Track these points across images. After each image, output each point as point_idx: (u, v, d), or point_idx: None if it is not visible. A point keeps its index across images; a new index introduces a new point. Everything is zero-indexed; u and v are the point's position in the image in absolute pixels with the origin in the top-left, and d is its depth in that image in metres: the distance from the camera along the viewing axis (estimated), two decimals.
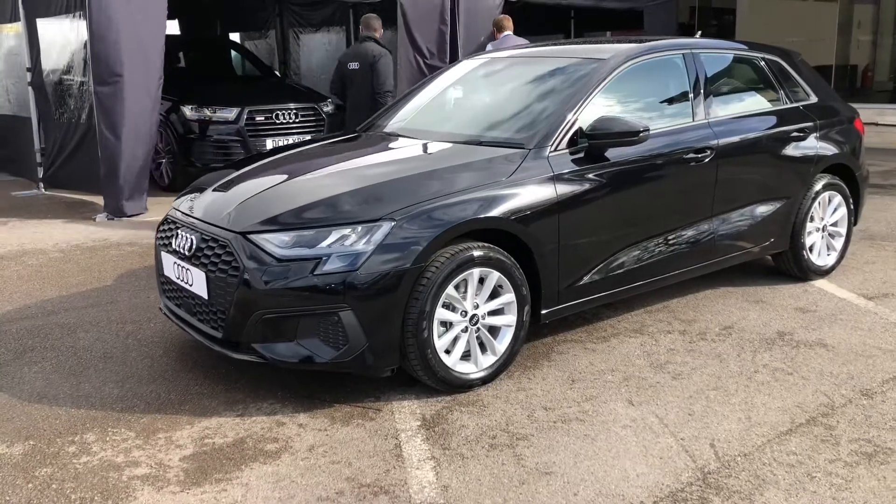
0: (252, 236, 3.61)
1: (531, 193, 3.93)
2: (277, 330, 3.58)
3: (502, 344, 3.93)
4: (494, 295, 3.89)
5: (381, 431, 3.47)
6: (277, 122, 9.56)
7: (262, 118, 9.51)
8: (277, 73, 13.67)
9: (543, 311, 4.10)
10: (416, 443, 3.37)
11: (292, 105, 9.78)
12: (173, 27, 15.70)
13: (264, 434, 3.45)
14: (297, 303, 3.51)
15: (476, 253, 3.71)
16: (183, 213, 4.12)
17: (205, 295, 3.73)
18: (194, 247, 3.83)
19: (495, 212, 3.80)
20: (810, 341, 4.42)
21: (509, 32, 8.52)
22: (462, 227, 3.70)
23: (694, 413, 3.59)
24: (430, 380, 3.75)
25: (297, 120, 9.69)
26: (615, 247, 4.33)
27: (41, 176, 9.42)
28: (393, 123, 5.12)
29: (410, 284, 3.56)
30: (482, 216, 3.76)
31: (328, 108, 10.03)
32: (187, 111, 9.36)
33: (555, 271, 4.07)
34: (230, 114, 9.39)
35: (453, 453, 3.28)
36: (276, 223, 3.64)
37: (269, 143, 9.42)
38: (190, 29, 15.58)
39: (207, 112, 9.37)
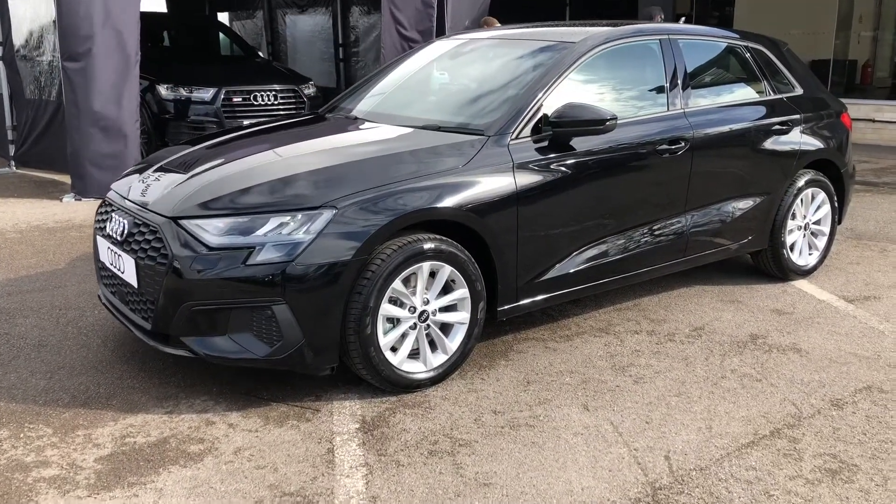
0: (184, 222, 3.38)
1: (489, 183, 3.70)
2: (208, 323, 3.35)
3: (454, 342, 3.71)
4: (447, 290, 3.67)
5: (315, 434, 3.25)
6: (256, 103, 9.32)
7: (240, 99, 9.27)
8: (262, 54, 13.39)
9: (500, 308, 3.88)
10: (350, 447, 3.15)
11: (272, 87, 9.54)
12: (161, 5, 15.42)
13: (190, 434, 3.23)
14: (229, 295, 3.28)
15: (426, 245, 3.48)
16: (119, 194, 3.88)
17: (135, 283, 3.50)
18: (126, 231, 3.60)
19: (448, 202, 3.56)
20: (784, 345, 4.19)
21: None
22: (411, 217, 3.46)
23: (652, 421, 3.36)
24: (373, 379, 3.52)
25: (276, 102, 9.45)
26: (580, 242, 4.09)
27: (13, 154, 9.18)
28: (357, 106, 4.87)
29: (352, 278, 3.33)
30: (434, 206, 3.52)
31: (309, 91, 9.78)
32: (163, 90, 9.12)
33: (513, 266, 3.84)
34: (207, 94, 9.14)
35: (389, 460, 3.06)
36: (210, 208, 3.40)
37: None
38: (178, 8, 15.29)
39: (184, 91, 9.13)
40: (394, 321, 3.57)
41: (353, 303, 3.37)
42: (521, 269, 3.88)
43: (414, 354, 3.64)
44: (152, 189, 3.71)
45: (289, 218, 3.31)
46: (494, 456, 3.08)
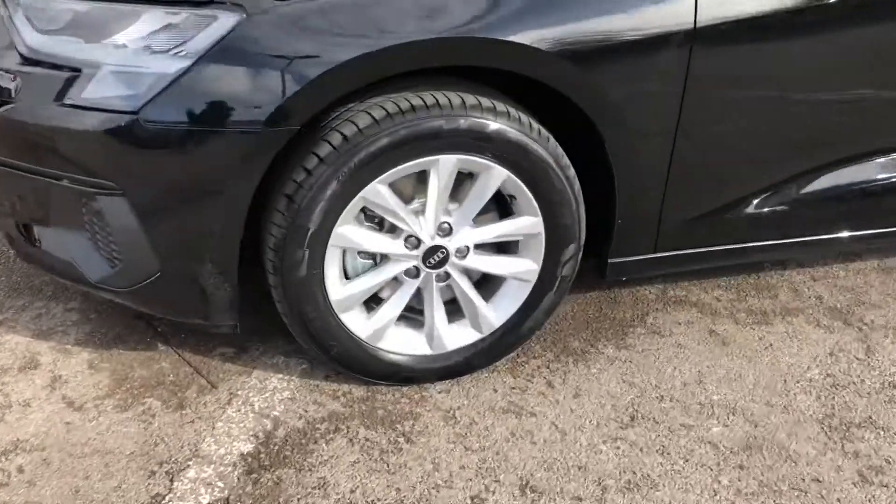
0: None
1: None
2: (27, 206, 1.80)
3: (500, 311, 1.91)
4: (502, 209, 1.83)
5: (159, 450, 1.70)
6: None
7: None
8: None
9: (614, 260, 1.96)
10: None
11: None
12: None
13: None
14: (32, 158, 1.68)
15: (458, 124, 1.63)
16: None
17: None
18: None
19: (509, 30, 1.61)
20: None
21: None
22: (417, 54, 1.60)
23: None
24: (321, 356, 1.86)
25: None
26: (807, 156, 2.00)
27: None
28: None
29: (265, 163, 1.59)
30: (473, 35, 1.60)
31: None
32: None
33: (657, 184, 1.87)
34: None
35: None
36: None
37: None
38: None
39: None
40: (374, 258, 1.82)
41: (269, 216, 1.66)
42: (675, 191, 1.89)
43: (412, 319, 1.91)
44: None
45: (174, 17, 1.58)
46: None
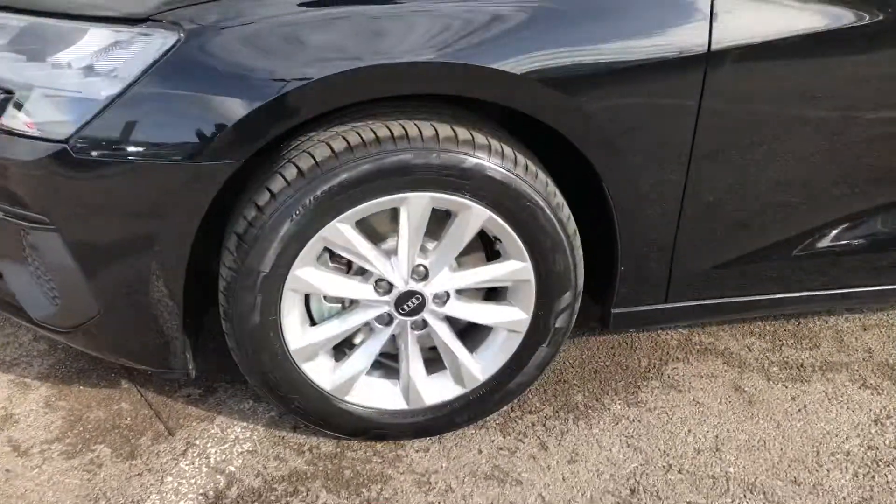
0: None
1: (639, 22, 1.45)
2: None
3: (486, 364, 1.69)
4: (492, 250, 1.62)
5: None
6: None
7: None
8: None
9: (618, 311, 1.72)
10: None
11: None
12: None
13: None
14: None
15: (418, 160, 1.43)
16: None
17: None
18: None
19: (493, 57, 1.40)
20: None
21: None
22: (383, 79, 1.40)
23: None
24: (280, 408, 1.68)
25: None
26: (841, 201, 1.73)
27: None
28: None
29: (205, 198, 1.42)
30: (455, 61, 1.39)
31: None
32: None
33: (667, 228, 1.63)
34: None
35: None
36: None
37: None
38: None
39: None
40: (343, 302, 1.64)
41: (221, 257, 1.49)
42: (688, 236, 1.65)
43: (389, 367, 1.72)
44: None
45: (92, 35, 1.41)
46: None
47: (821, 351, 2.06)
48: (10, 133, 1.43)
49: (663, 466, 1.72)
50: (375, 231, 1.58)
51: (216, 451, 1.70)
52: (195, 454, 1.69)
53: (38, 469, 1.65)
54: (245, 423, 1.77)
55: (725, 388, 1.93)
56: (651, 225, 1.61)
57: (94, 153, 1.38)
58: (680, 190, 1.57)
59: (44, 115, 1.40)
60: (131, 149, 1.37)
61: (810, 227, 1.72)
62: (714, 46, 1.44)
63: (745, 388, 1.93)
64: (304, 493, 1.61)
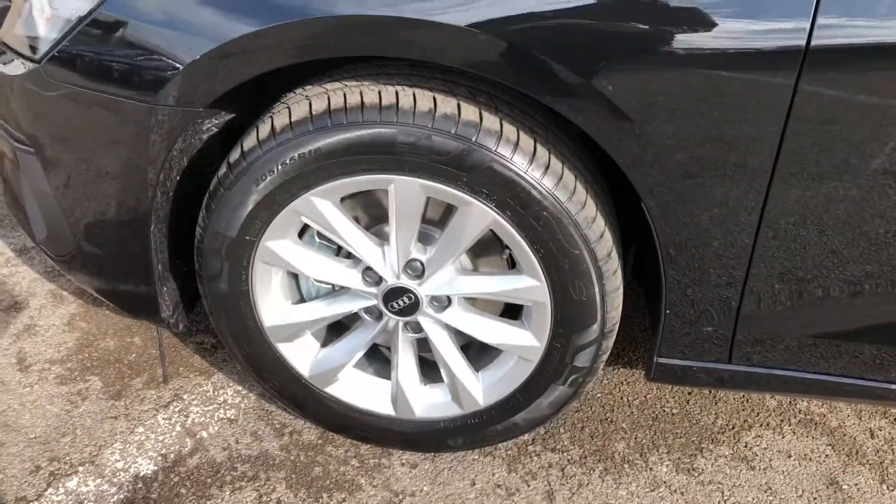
0: None
1: None
2: None
3: (489, 388, 1.42)
4: (500, 254, 1.34)
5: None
6: None
7: None
8: None
9: (662, 360, 1.35)
10: None
11: None
12: None
13: None
14: None
15: (404, 137, 1.16)
16: None
17: None
18: None
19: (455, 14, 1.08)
20: None
21: None
22: (321, 37, 1.13)
23: None
24: (255, 379, 1.52)
25: None
26: None
27: None
28: None
29: (164, 144, 1.26)
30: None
31: None
32: None
33: (735, 269, 1.23)
34: None
35: None
36: None
37: None
38: None
39: None
40: (333, 286, 1.43)
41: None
42: (765, 283, 1.24)
43: (383, 366, 1.50)
44: None
45: None
46: None
47: None
48: (7, 46, 1.35)
49: None
50: (369, 210, 1.34)
51: (198, 412, 1.59)
52: (176, 409, 1.59)
53: (29, 388, 1.62)
54: (239, 388, 1.64)
55: (817, 479, 1.51)
56: (711, 264, 1.21)
57: (60, 77, 1.25)
58: (754, 225, 1.16)
59: (27, 31, 1.29)
60: (88, 77, 1.23)
61: None
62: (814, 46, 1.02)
63: (845, 486, 1.49)
64: (262, 482, 1.46)
